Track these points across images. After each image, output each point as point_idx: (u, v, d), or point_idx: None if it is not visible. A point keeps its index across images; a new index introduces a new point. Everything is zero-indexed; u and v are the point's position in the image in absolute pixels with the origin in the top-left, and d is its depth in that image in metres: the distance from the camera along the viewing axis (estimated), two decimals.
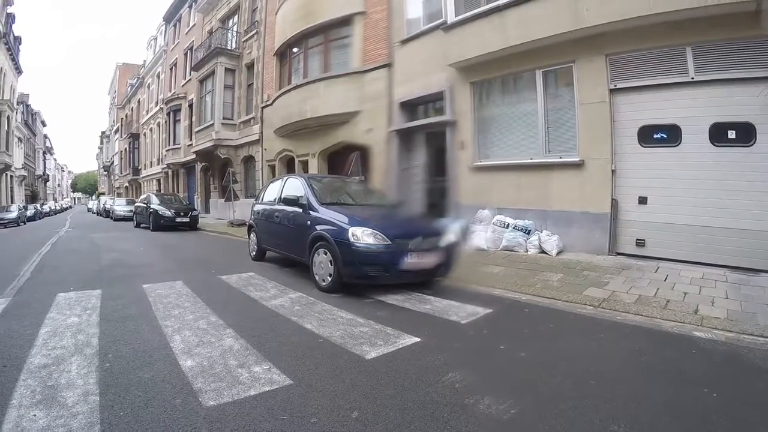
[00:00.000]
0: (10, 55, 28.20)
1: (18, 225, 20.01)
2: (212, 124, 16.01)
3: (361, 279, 4.22)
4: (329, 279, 4.37)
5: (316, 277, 4.59)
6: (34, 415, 1.92)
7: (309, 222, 4.87)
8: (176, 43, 23.57)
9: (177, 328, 3.17)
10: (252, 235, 6.77)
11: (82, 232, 13.56)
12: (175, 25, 24.26)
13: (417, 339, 2.91)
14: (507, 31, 6.47)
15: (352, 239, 4.14)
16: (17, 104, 32.56)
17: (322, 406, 2.00)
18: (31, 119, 43.21)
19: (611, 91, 5.84)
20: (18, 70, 31.63)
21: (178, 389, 2.18)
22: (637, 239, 5.73)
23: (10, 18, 26.46)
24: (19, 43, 30.49)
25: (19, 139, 35.08)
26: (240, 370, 2.40)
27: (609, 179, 5.88)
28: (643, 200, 5.67)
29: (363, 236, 4.16)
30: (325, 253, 4.44)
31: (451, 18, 7.31)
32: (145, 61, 33.21)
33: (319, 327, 3.19)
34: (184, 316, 3.49)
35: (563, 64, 6.35)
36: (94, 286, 4.62)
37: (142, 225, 14.11)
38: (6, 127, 26.73)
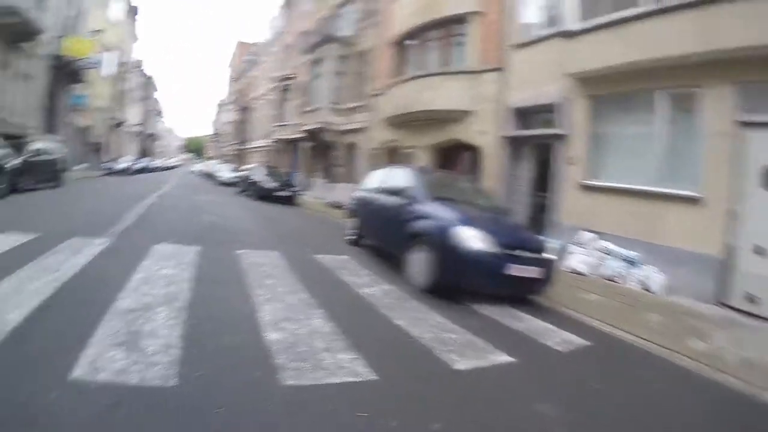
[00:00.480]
0: (130, 22, 37.83)
1: (127, 175, 25.96)
2: (320, 108, 19.38)
3: (459, 282, 4.60)
4: (425, 277, 4.79)
5: (411, 273, 5.09)
6: (113, 355, 2.32)
7: (412, 215, 5.42)
8: (292, 25, 28.74)
9: (267, 298, 3.66)
10: (351, 220, 8.02)
11: (186, 191, 17.12)
12: (291, 8, 29.82)
13: (510, 359, 3.19)
14: (630, 45, 6.99)
15: (457, 239, 4.54)
16: (136, 68, 43.35)
17: (404, 410, 2.23)
18: (147, 82, 55.59)
19: (739, 123, 6.12)
20: (136, 38, 41.73)
21: (259, 361, 2.52)
22: (749, 294, 5.88)
23: None
24: (136, 13, 40.03)
25: (136, 99, 45.95)
26: (325, 354, 2.71)
27: (725, 221, 6.15)
28: (760, 251, 5.82)
29: (469, 238, 4.52)
30: (425, 250, 4.86)
31: (573, 25, 8.08)
32: (264, 40, 40.46)
33: (409, 325, 3.55)
34: (276, 287, 4.03)
35: (688, 87, 6.76)
36: (192, 244, 5.57)
37: (244, 193, 17.76)
38: (126, 87, 35.95)
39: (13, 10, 13.45)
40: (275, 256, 5.61)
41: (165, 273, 4.18)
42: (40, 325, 2.77)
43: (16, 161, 9.86)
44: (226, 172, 26.27)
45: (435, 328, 3.60)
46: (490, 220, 5.37)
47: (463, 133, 11.90)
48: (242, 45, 54.77)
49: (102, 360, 2.33)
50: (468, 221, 4.84)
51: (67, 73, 21.31)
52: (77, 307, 3.13)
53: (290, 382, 2.33)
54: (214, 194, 17.24)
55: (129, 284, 3.68)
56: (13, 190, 9.63)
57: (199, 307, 3.32)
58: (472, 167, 11.56)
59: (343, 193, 14.93)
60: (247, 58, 46.73)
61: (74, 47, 20.28)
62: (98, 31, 25.42)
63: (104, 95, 30.79)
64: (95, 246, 5.05)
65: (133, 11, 38.56)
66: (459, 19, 12.10)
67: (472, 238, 4.57)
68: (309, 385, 2.32)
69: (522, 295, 5.07)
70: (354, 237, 7.82)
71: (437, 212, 5.15)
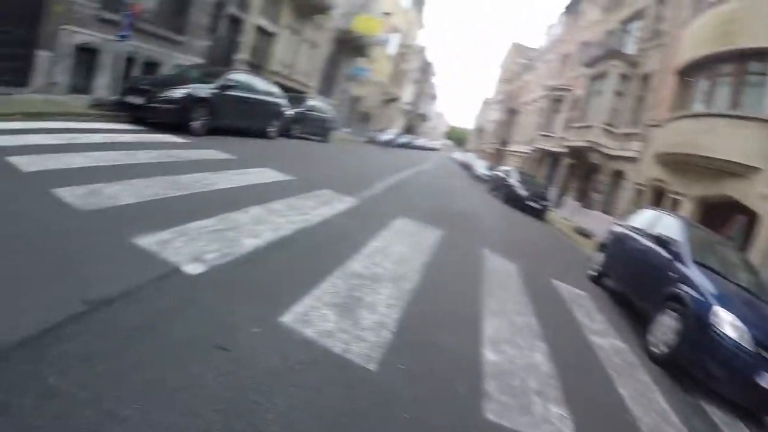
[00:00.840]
0: (417, 9, 44.97)
1: (387, 147, 31.01)
2: (591, 126, 19.67)
3: (696, 371, 4.40)
4: (664, 349, 4.70)
5: (650, 338, 5.03)
6: (325, 315, 2.67)
7: (671, 274, 5.38)
8: (571, 34, 30.26)
9: (495, 311, 3.87)
10: (598, 254, 8.30)
11: (442, 174, 19.75)
12: (573, 16, 31.39)
13: None
14: None
15: (709, 320, 4.33)
16: (417, 52, 51.78)
17: None
18: (426, 67, 66.04)
19: None
20: (421, 25, 50.29)
21: (467, 378, 2.66)
22: None
23: None
24: (423, 2, 47.74)
25: (413, 81, 55.26)
26: (536, 398, 2.76)
27: None
28: None
29: (724, 322, 4.26)
30: (674, 319, 4.75)
31: None
32: (540, 46, 43.20)
33: (631, 399, 3.47)
34: (506, 302, 4.26)
35: None
36: (435, 227, 6.19)
37: (493, 192, 19.50)
38: (405, 67, 43.13)
39: None
40: (513, 269, 6.02)
41: (401, 250, 4.69)
42: (270, 260, 3.37)
43: (291, 111, 13.34)
44: (481, 167, 29.33)
45: (657, 415, 3.48)
46: (752, 304, 5.03)
47: (742, 192, 10.96)
48: (517, 47, 59.16)
49: (314, 315, 2.68)
50: (727, 301, 4.60)
51: (351, 47, 27.30)
52: (309, 255, 3.74)
53: (491, 416, 2.39)
54: (466, 185, 19.51)
55: (364, 249, 4.20)
56: (284, 134, 13.21)
57: (424, 294, 3.60)
58: (743, 234, 11.27)
59: (595, 221, 15.67)
60: (520, 60, 50.81)
61: (363, 24, 25.70)
62: (387, 13, 31.76)
63: (383, 72, 37.39)
64: (343, 203, 6.04)
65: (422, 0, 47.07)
66: (760, 54, 11.26)
67: (725, 323, 4.29)
68: (509, 428, 2.36)
69: None
70: (597, 273, 8.06)
71: (698, 280, 5.00)
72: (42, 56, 9.34)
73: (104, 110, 8.83)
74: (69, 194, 3.66)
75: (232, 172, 6.23)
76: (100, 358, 1.86)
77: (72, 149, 5.35)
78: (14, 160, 4.29)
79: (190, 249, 3.22)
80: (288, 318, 2.62)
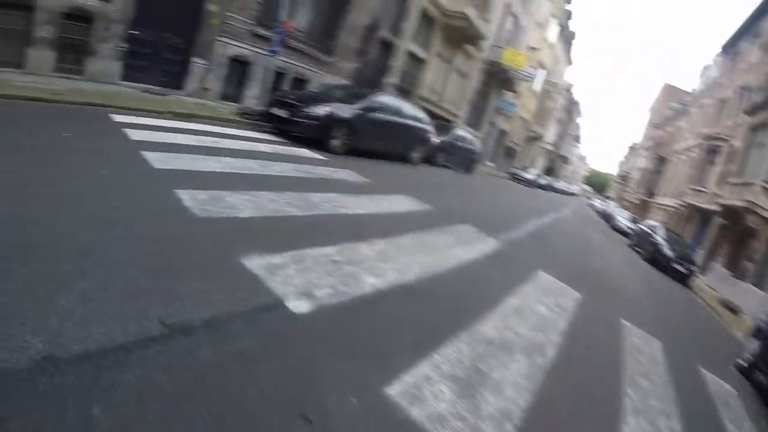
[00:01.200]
0: (565, 46, 42.39)
1: (530, 187, 29.27)
2: (751, 183, 16.88)
3: None
4: None
5: None
6: (440, 391, 2.26)
7: None
8: (729, 77, 27.10)
9: (636, 408, 3.23)
10: (752, 340, 6.93)
11: (581, 223, 18.27)
12: (731, 57, 28.17)
13: None
14: None
15: None
16: (563, 89, 49.15)
17: None
18: (571, 106, 62.95)
19: None
20: (569, 62, 47.63)
21: None
22: None
23: (567, 14, 40.21)
24: (573, 38, 44.99)
25: (557, 120, 52.61)
26: None
27: None
28: None
29: None
30: None
31: None
32: (694, 89, 39.06)
33: None
34: (649, 396, 3.56)
35: None
36: (575, 286, 5.58)
37: (635, 248, 17.63)
38: (550, 105, 41.74)
39: (464, 15, 18.71)
40: (657, 348, 5.21)
41: (539, 311, 4.19)
42: (388, 308, 3.00)
43: (437, 139, 12.72)
44: (623, 218, 26.44)
45: None
46: None
47: None
48: (669, 89, 55.23)
49: (427, 389, 2.26)
50: None
51: (500, 79, 26.82)
52: (435, 307, 3.32)
53: None
54: (606, 237, 17.83)
55: (500, 307, 3.79)
56: (428, 161, 12.81)
57: (559, 377, 3.09)
58: None
59: (745, 295, 13.78)
60: (673, 104, 46.77)
61: (512, 58, 24.90)
62: (535, 48, 30.79)
63: (529, 108, 36.22)
64: (484, 244, 5.58)
65: (569, 36, 44.38)
66: None
67: None
68: None
69: None
70: (748, 365, 6.76)
71: None
72: (197, 64, 10.19)
73: (250, 119, 9.16)
74: (189, 197, 3.54)
75: (364, 197, 5.77)
76: (156, 399, 1.60)
77: (208, 152, 5.28)
78: (149, 155, 4.31)
79: (301, 280, 2.85)
80: (394, 390, 2.16)
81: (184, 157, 4.63)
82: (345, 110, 8.86)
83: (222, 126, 7.84)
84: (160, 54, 9.70)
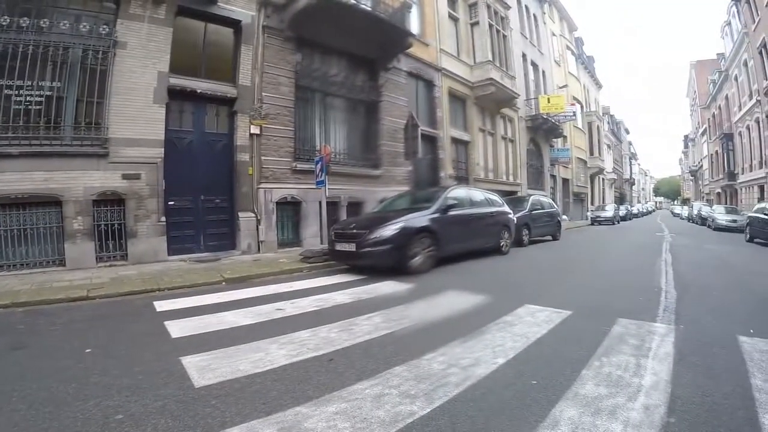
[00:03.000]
0: (588, 72, 40.82)
1: (612, 224, 28.67)
2: None
3: None
4: None
5: None
6: None
7: None
8: (758, 19, 24.79)
9: None
10: None
11: (687, 239, 16.08)
12: (747, 1, 25.82)
13: None
14: None
15: None
16: (603, 114, 46.80)
17: None
18: (616, 128, 60.44)
19: None
20: (598, 85, 45.78)
21: None
22: None
23: (579, 42, 39.78)
24: (593, 62, 43.56)
25: (608, 146, 49.48)
26: None
27: None
28: None
29: None
30: None
31: None
32: (723, 53, 36.56)
33: None
34: None
35: None
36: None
37: (756, 239, 15.16)
38: (597, 135, 40.63)
39: (491, 80, 17.93)
40: None
41: None
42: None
43: (514, 216, 11.18)
44: (721, 214, 24.20)
45: None
46: None
47: None
48: (698, 65, 52.08)
49: None
50: None
51: (544, 130, 25.84)
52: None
53: None
54: (721, 242, 15.51)
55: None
56: (517, 243, 11.29)
57: None
58: None
59: None
60: (710, 78, 43.02)
61: (549, 104, 23.75)
62: (563, 86, 29.83)
63: (581, 146, 34.79)
64: (658, 337, 3.67)
65: (589, 61, 43.48)
66: None
67: None
68: None
69: None
70: None
71: None
72: (245, 218, 9.48)
73: (315, 261, 7.97)
74: None
75: (494, 328, 3.92)
76: None
77: (271, 330, 3.95)
78: (191, 364, 3.10)
79: None
80: None
81: (240, 353, 3.30)
82: (419, 219, 7.55)
83: (285, 281, 6.66)
84: (203, 218, 9.08)
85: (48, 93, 7.28)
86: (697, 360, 3.08)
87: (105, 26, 7.74)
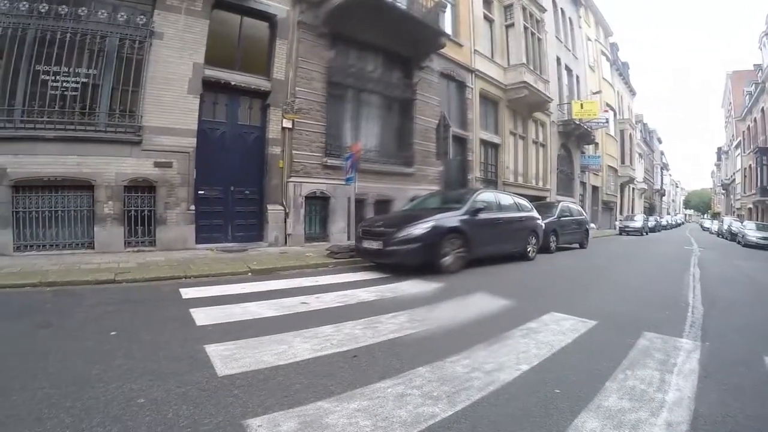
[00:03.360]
0: (622, 79, 39.72)
1: (641, 235, 27.81)
2: None
3: None
4: None
5: None
6: None
7: None
8: None
9: None
10: None
11: (716, 254, 15.49)
12: None
13: None
14: None
15: None
16: (635, 122, 45.68)
17: None
18: (649, 137, 58.91)
19: None
20: (632, 92, 44.59)
21: None
22: None
23: (614, 47, 38.88)
24: (627, 68, 42.33)
25: (639, 155, 48.19)
26: None
27: None
28: None
29: None
30: None
31: None
32: (760, 64, 35.23)
33: None
34: None
35: None
36: None
37: None
38: (629, 143, 39.71)
39: (524, 83, 17.62)
40: None
41: None
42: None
43: (542, 222, 10.90)
44: (752, 230, 23.33)
45: None
46: None
47: None
48: (735, 76, 49.74)
49: None
50: None
51: (576, 136, 25.38)
52: None
53: None
54: (751, 259, 15.00)
55: None
56: (544, 249, 10.99)
57: None
58: None
59: None
60: (746, 89, 41.30)
61: (582, 110, 23.33)
62: (597, 92, 29.16)
63: (612, 154, 34.02)
64: (683, 353, 3.51)
65: (624, 67, 42.53)
66: None
67: None
68: None
69: None
70: None
71: None
72: (273, 210, 9.48)
73: (341, 257, 7.89)
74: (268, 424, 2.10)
75: (519, 334, 3.80)
76: None
77: (295, 324, 3.85)
78: (216, 352, 3.03)
79: None
80: None
81: (264, 344, 3.22)
82: (450, 219, 7.39)
83: (311, 275, 6.59)
84: (232, 209, 9.10)
85: (84, 80, 7.37)
86: (723, 378, 2.96)
87: (142, 16, 7.80)
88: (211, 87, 8.68)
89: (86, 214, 7.36)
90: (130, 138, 7.61)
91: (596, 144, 28.75)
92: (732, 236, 27.21)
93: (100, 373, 2.57)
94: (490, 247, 8.36)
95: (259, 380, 2.56)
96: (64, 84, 7.20)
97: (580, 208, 16.40)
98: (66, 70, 7.18)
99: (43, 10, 6.99)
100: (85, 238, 7.33)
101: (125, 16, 7.60)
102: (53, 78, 7.12)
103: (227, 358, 2.88)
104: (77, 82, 7.30)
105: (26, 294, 4.70)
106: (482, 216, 8.09)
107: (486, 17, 17.51)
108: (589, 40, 30.00)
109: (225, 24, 9.09)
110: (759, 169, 36.14)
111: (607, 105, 30.97)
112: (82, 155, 7.20)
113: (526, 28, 18.42)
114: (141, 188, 7.79)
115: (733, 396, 2.67)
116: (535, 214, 10.51)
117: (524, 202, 10.50)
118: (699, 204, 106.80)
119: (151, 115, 7.78)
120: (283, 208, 9.52)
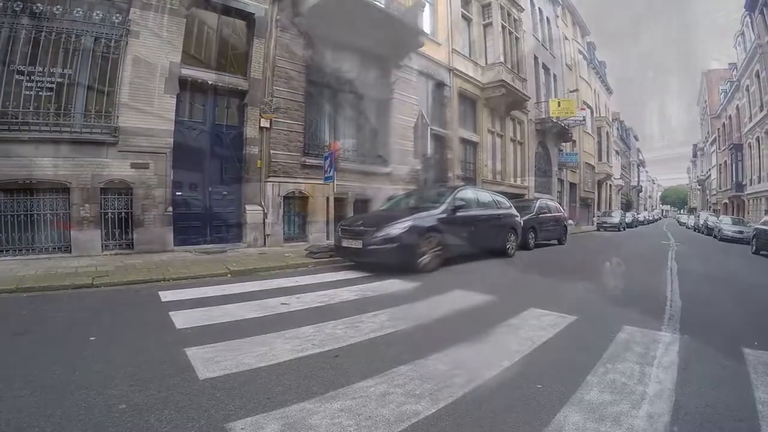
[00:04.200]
0: (599, 77, 40.83)
1: (618, 230, 28.82)
2: None
3: None
4: None
5: None
6: None
7: None
8: None
9: None
10: None
11: (693, 249, 15.88)
12: (762, 12, 25.62)
13: None
14: None
15: None
16: (612, 120, 46.59)
17: None
18: (625, 134, 60.34)
19: None
20: (608, 90, 45.63)
21: None
22: None
23: (591, 46, 39.46)
24: (604, 67, 43.37)
25: (617, 152, 49.45)
26: None
27: None
28: None
29: None
30: None
31: None
32: (735, 63, 36.42)
33: None
34: None
35: None
36: None
37: (762, 252, 14.92)
38: (606, 141, 40.56)
39: (502, 82, 17.86)
40: None
41: None
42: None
43: (520, 219, 11.12)
44: (728, 225, 24.04)
45: None
46: None
47: None
48: (710, 74, 51.41)
49: None
50: None
51: (553, 134, 25.73)
52: None
53: None
54: (725, 254, 15.45)
55: None
56: (523, 246, 11.20)
57: None
58: None
59: None
60: (722, 87, 42.98)
61: (560, 108, 23.72)
62: (574, 90, 29.67)
63: (590, 151, 34.65)
64: (663, 345, 3.61)
65: (601, 66, 43.33)
66: None
67: None
68: None
69: None
70: None
71: None
72: (252, 211, 9.44)
73: (320, 257, 7.91)
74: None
75: (500, 331, 3.88)
76: None
77: (277, 324, 3.90)
78: (197, 355, 3.05)
79: None
80: None
81: (245, 346, 3.24)
82: (428, 219, 7.48)
83: (291, 275, 6.61)
84: (211, 210, 9.05)
85: (59, 80, 7.26)
86: (702, 370, 3.05)
87: (118, 15, 7.71)
88: (188, 86, 8.62)
89: (62, 217, 7.26)
90: (106, 139, 7.52)
91: (573, 141, 29.23)
92: (708, 231, 27.98)
93: (80, 379, 2.57)
94: (470, 244, 8.45)
95: (240, 383, 2.59)
96: (39, 84, 7.08)
97: (558, 205, 16.63)
98: (41, 69, 7.07)
99: (17, 9, 6.86)
100: (61, 242, 7.24)
101: (101, 15, 7.51)
102: (28, 78, 7.00)
103: (208, 361, 2.90)
104: (52, 82, 7.19)
105: (2, 300, 4.63)
106: (461, 213, 8.21)
107: (464, 16, 17.67)
108: (567, 39, 30.40)
109: (202, 23, 9.03)
110: (733, 165, 37.34)
111: (584, 103, 31.47)
112: (57, 157, 7.09)
113: (503, 27, 18.62)
114: (118, 190, 7.72)
115: (712, 387, 2.75)
116: (514, 211, 10.68)
117: (503, 199, 10.64)
118: (676, 200, 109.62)
119: (128, 116, 7.70)
120: (261, 208, 9.50)
